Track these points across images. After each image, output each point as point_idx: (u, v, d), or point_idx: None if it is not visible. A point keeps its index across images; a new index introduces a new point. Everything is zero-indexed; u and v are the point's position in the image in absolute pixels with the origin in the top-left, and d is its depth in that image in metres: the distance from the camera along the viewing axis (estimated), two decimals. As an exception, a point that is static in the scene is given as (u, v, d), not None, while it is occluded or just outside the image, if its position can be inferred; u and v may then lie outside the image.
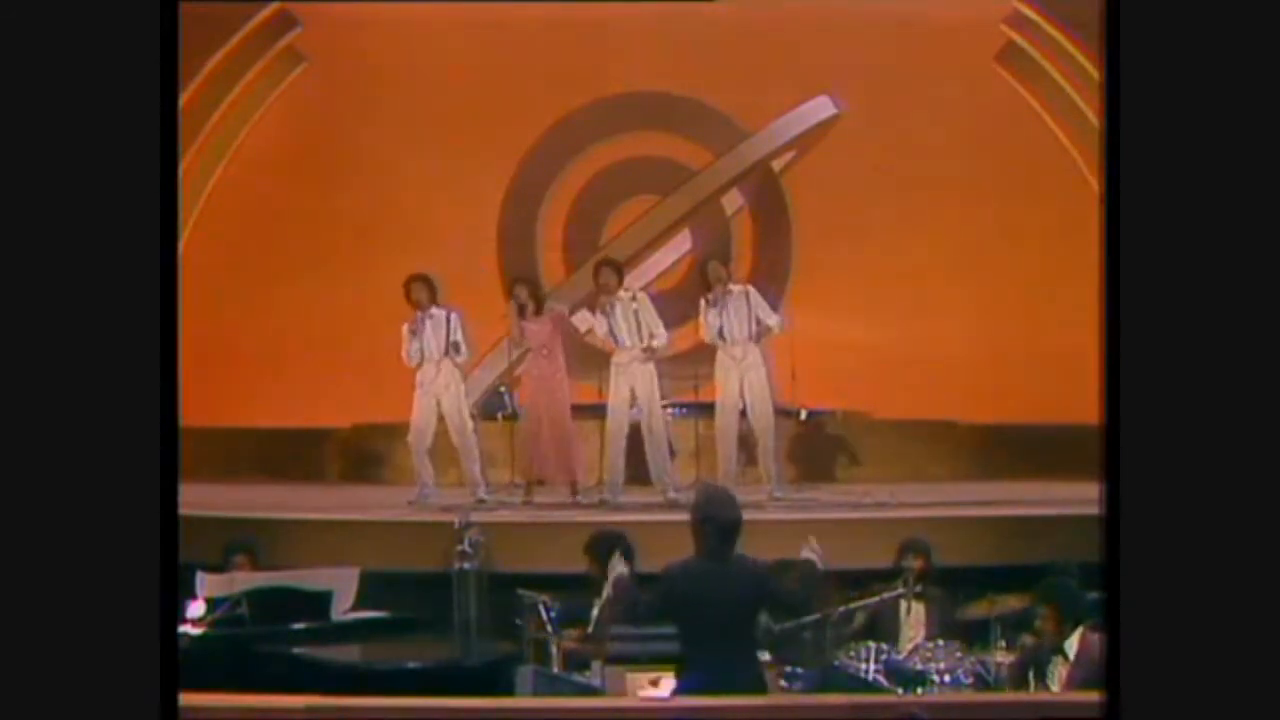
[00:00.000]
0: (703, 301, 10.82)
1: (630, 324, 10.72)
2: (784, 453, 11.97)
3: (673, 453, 11.30)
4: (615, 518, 9.55)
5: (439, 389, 10.76)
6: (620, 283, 10.92)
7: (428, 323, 10.73)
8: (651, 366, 10.82)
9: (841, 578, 8.17)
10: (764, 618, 7.44)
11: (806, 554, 6.31)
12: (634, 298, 10.84)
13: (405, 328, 10.76)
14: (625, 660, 7.43)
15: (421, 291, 10.76)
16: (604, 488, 10.96)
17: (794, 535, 9.44)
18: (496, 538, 8.11)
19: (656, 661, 6.98)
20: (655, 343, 10.74)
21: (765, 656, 6.82)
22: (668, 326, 10.85)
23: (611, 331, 10.74)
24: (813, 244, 14.10)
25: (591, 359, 11.58)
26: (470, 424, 10.99)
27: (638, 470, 11.19)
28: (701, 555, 5.91)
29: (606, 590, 6.97)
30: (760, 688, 5.86)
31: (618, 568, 6.42)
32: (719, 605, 5.79)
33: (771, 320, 10.84)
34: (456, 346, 10.77)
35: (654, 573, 6.34)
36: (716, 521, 5.86)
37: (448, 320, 10.78)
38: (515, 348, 11.11)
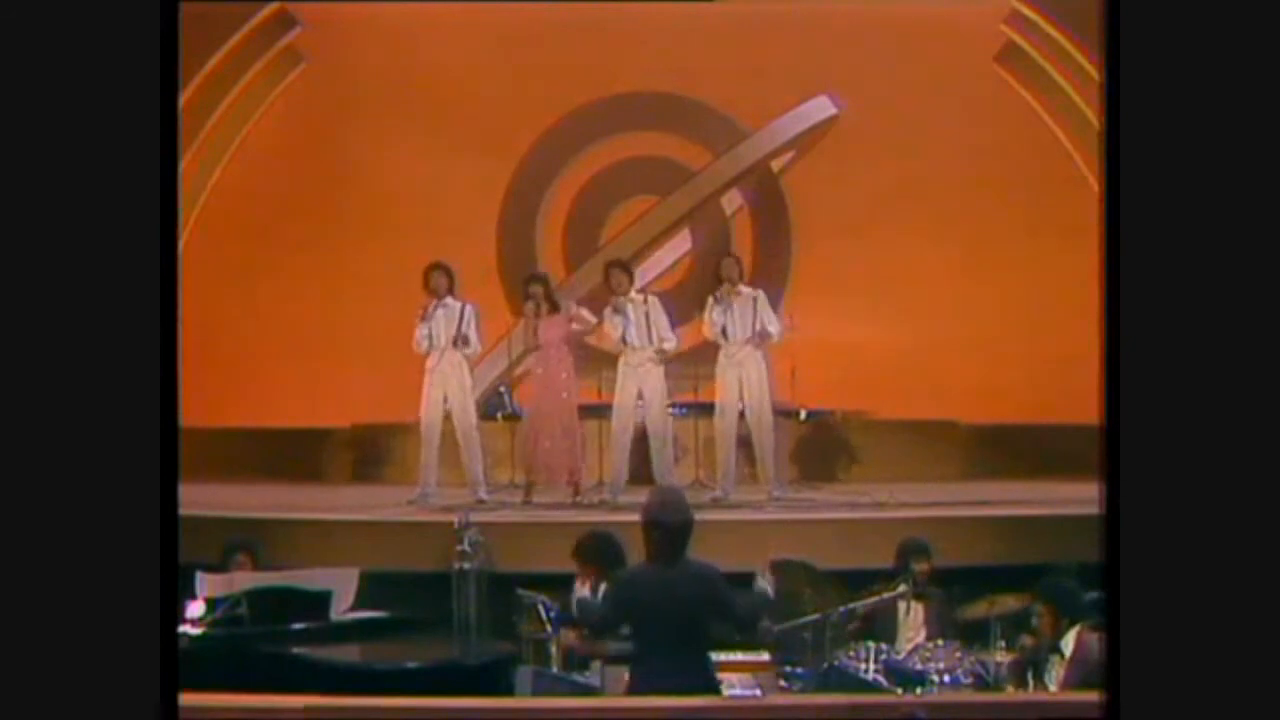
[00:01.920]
0: (710, 299, 10.83)
1: (641, 326, 10.73)
2: (783, 453, 11.97)
3: (677, 455, 11.31)
4: (614, 518, 9.55)
5: (443, 379, 10.78)
6: (631, 283, 10.95)
7: (440, 312, 10.74)
8: (660, 368, 10.83)
9: (841, 578, 8.18)
10: (764, 618, 7.44)
11: (760, 585, 6.24)
12: (645, 300, 10.85)
13: (419, 314, 10.79)
14: (625, 660, 7.41)
15: (440, 279, 10.78)
16: (605, 488, 10.97)
17: (793, 536, 9.52)
18: (496, 538, 8.12)
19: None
20: (666, 346, 10.77)
21: (724, 657, 6.76)
22: (669, 326, 10.87)
23: (623, 333, 10.74)
24: (813, 244, 14.12)
25: (591, 359, 11.58)
26: (475, 421, 10.99)
27: (639, 471, 11.20)
28: (651, 559, 5.86)
29: (575, 602, 6.95)
30: (712, 689, 5.80)
31: (579, 591, 6.40)
32: (668, 608, 5.72)
33: (772, 328, 10.85)
34: (465, 339, 10.77)
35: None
36: (664, 525, 5.80)
37: (461, 312, 10.79)
38: (527, 346, 11.09)
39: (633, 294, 10.83)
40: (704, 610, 5.78)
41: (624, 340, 10.75)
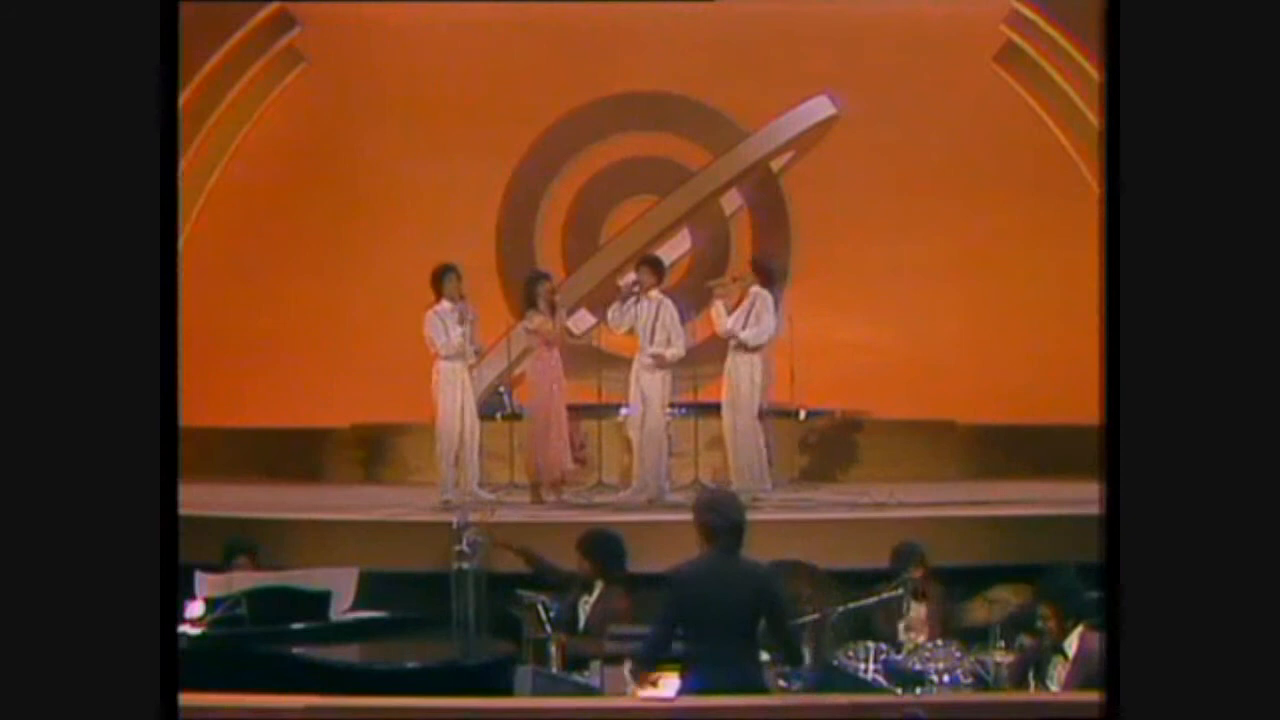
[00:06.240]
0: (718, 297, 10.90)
1: (649, 326, 10.70)
2: (783, 453, 11.97)
3: (674, 453, 11.32)
4: (613, 518, 9.55)
5: (454, 382, 10.78)
6: (658, 283, 10.92)
7: (450, 314, 10.75)
8: (658, 370, 10.78)
9: (841, 578, 8.18)
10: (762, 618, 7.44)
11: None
12: (660, 303, 10.82)
13: (430, 314, 10.77)
14: (625, 660, 7.42)
15: (449, 281, 10.79)
16: (603, 488, 10.97)
17: (794, 535, 9.52)
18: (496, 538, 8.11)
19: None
20: (669, 352, 10.70)
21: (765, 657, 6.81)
22: (680, 333, 10.87)
23: (634, 330, 10.75)
24: (812, 244, 14.11)
25: (592, 359, 11.58)
26: (477, 422, 11.00)
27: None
28: (705, 557, 5.92)
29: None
30: (763, 688, 5.86)
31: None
32: (722, 606, 5.79)
33: (746, 334, 10.84)
34: (468, 344, 10.78)
35: (654, 574, 6.33)
36: (720, 523, 5.87)
37: (463, 316, 10.79)
38: (545, 337, 11.06)
39: (651, 293, 10.80)
40: (758, 608, 5.85)
41: (630, 332, 10.76)
